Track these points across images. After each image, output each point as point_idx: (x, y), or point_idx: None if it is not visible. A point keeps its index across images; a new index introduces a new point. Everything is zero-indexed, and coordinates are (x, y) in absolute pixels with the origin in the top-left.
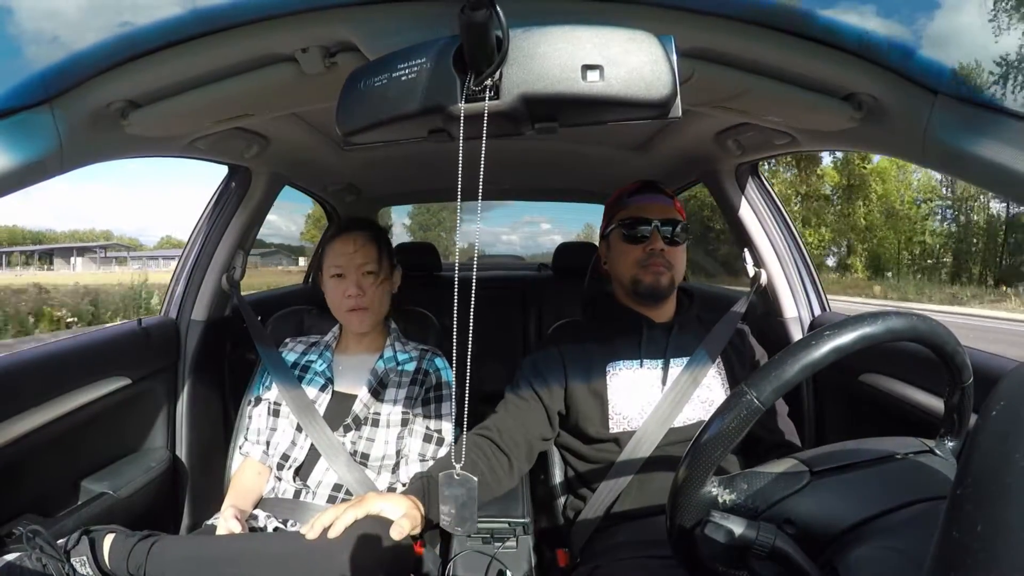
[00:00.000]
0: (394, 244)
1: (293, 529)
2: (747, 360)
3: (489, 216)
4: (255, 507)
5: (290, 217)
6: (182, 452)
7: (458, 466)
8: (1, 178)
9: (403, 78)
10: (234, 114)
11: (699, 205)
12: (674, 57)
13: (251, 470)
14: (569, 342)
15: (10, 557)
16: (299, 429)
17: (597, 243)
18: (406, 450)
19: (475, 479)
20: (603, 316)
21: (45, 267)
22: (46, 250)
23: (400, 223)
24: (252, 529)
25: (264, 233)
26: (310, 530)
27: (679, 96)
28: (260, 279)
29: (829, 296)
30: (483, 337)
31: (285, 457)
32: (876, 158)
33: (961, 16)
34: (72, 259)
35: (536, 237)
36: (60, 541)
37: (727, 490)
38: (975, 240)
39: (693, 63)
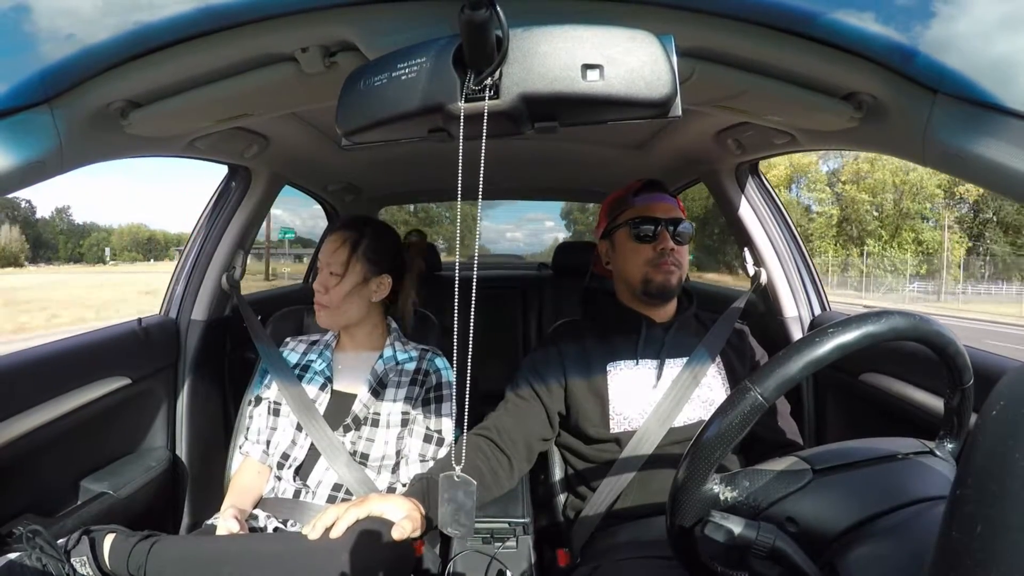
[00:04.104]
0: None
1: (293, 529)
2: (747, 359)
3: (493, 214)
4: (255, 507)
5: None
6: (182, 452)
7: (458, 468)
8: (1, 178)
9: (403, 77)
10: (234, 114)
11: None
12: (674, 57)
13: (251, 470)
14: (568, 342)
15: (11, 556)
16: (299, 428)
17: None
18: (406, 450)
19: (475, 483)
20: (603, 316)
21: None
22: None
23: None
24: (252, 529)
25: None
26: (311, 530)
27: (679, 95)
28: None
29: None
30: (483, 337)
31: (285, 456)
32: None
33: (961, 15)
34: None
35: (540, 235)
36: (60, 541)
37: (728, 487)
38: None
39: (693, 62)
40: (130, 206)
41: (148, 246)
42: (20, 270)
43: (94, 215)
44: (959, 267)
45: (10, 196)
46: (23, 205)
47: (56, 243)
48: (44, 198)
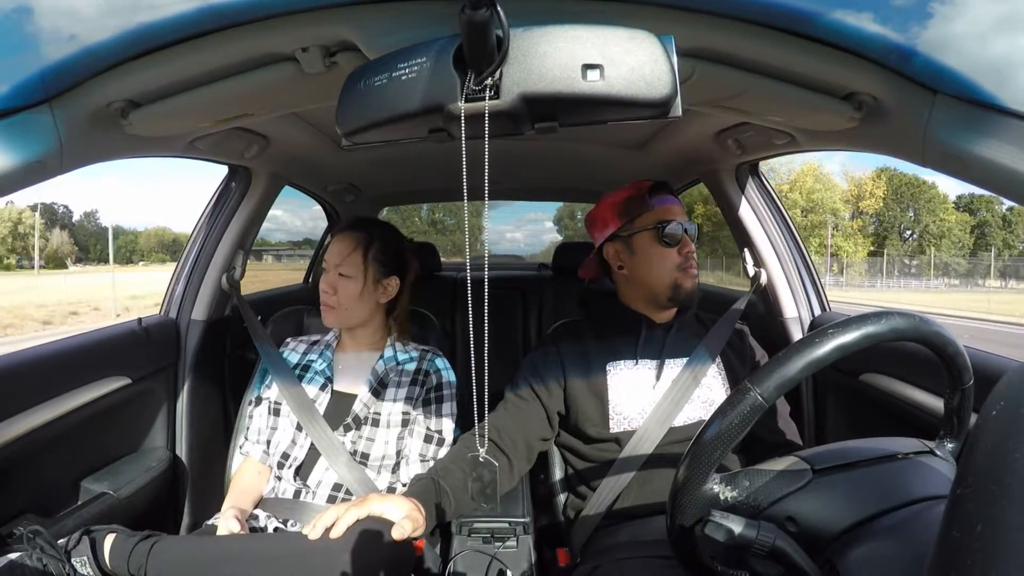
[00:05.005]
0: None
1: (293, 529)
2: (747, 360)
3: (493, 215)
4: (255, 507)
5: None
6: (182, 452)
7: (482, 451)
8: (1, 178)
9: (403, 77)
10: (234, 114)
11: None
12: (674, 57)
13: (251, 470)
14: (568, 342)
15: (11, 556)
16: (299, 428)
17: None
18: (406, 450)
19: (496, 464)
20: (602, 316)
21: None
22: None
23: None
24: (252, 529)
25: None
26: (312, 530)
27: (679, 95)
28: None
29: None
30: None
31: (285, 456)
32: None
33: (958, 15)
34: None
35: (539, 235)
36: (61, 541)
37: (728, 487)
38: None
39: (693, 62)
40: (143, 209)
41: (173, 247)
42: (84, 270)
43: (118, 218)
44: (863, 265)
45: (47, 200)
46: (60, 210)
47: (88, 245)
48: (77, 202)
